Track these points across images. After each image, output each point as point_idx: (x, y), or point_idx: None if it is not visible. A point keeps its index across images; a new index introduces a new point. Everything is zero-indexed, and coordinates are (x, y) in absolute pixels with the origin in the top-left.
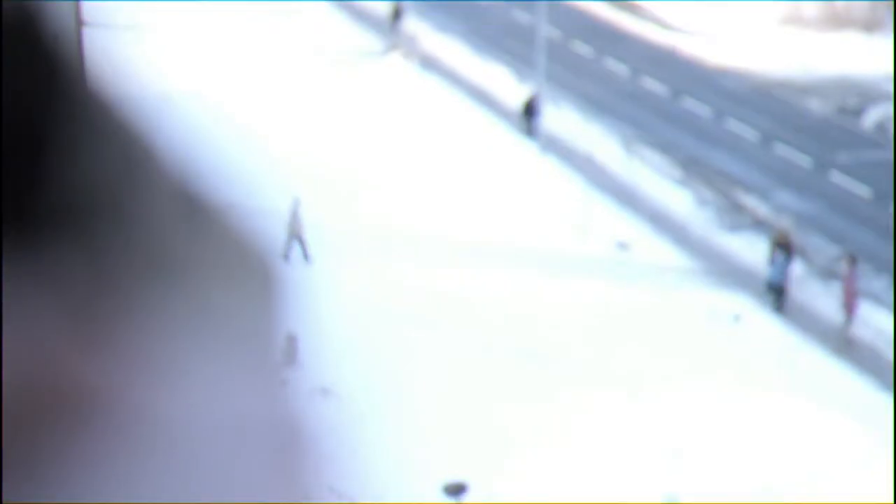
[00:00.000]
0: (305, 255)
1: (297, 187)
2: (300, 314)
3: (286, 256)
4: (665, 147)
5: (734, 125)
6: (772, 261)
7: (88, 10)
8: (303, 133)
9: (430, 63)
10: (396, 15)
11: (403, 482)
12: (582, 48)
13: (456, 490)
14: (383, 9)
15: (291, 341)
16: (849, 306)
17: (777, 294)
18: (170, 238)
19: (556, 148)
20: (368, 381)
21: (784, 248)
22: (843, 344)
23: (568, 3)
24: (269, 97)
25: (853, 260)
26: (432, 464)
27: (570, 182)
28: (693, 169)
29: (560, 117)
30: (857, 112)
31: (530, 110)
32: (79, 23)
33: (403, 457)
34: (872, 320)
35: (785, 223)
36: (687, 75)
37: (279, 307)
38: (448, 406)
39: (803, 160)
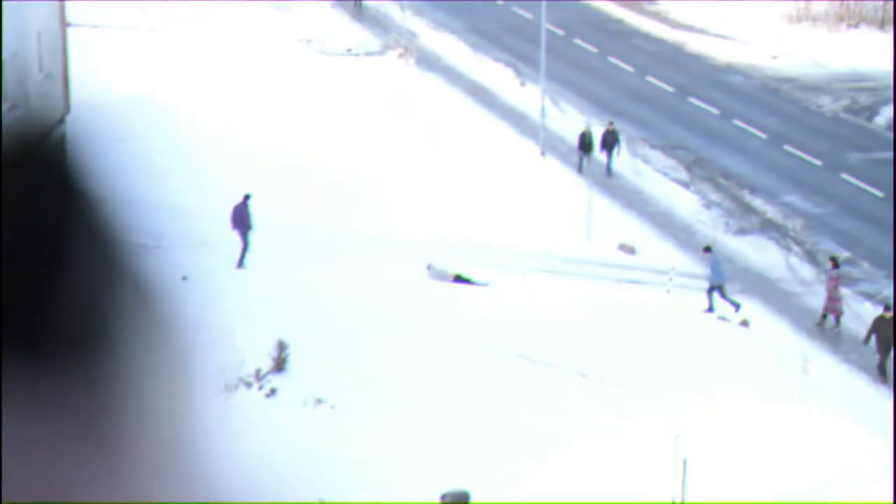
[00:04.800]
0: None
1: (293, 188)
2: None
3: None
4: (671, 147)
5: (742, 125)
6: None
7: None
8: (298, 131)
9: (428, 61)
10: None
11: (401, 493)
12: (585, 46)
13: (456, 501)
14: (384, 8)
15: (282, 348)
16: (828, 309)
17: (711, 296)
18: (142, 356)
19: (559, 148)
20: (365, 388)
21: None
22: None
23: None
24: (260, 95)
25: (835, 262)
26: (431, 473)
27: (574, 183)
28: (699, 170)
29: (562, 117)
30: (870, 110)
31: (604, 145)
32: (63, 23)
33: (401, 467)
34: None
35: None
36: (693, 73)
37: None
38: (448, 412)
39: (813, 160)
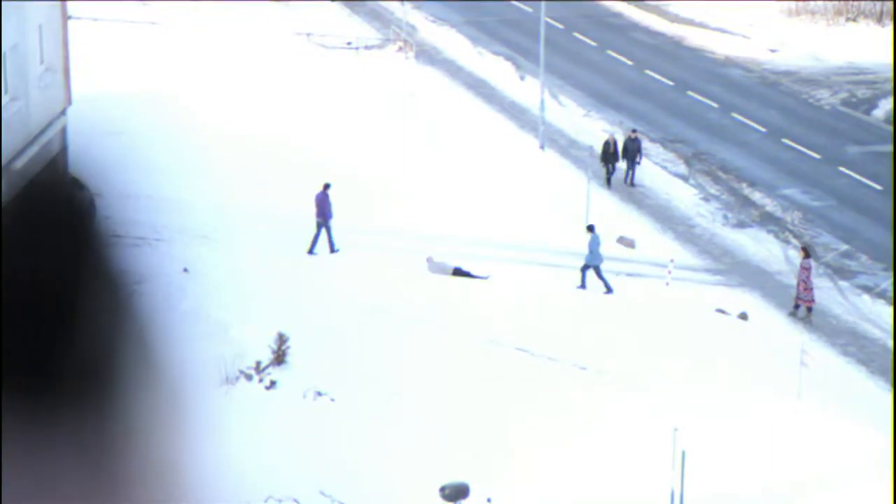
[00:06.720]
0: None
1: (293, 182)
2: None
3: None
4: (670, 141)
5: (741, 118)
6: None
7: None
8: (298, 125)
9: (427, 54)
10: None
11: (401, 486)
12: (584, 40)
13: (456, 494)
14: (383, 2)
15: (282, 341)
16: (799, 299)
17: (584, 273)
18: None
19: (558, 142)
20: (365, 381)
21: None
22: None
23: None
24: (260, 89)
25: (807, 250)
26: (430, 466)
27: (573, 177)
28: (698, 163)
29: (561, 110)
30: (868, 104)
31: (626, 153)
32: (64, 16)
33: (401, 460)
34: (883, 320)
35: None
36: (692, 67)
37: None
38: (448, 405)
39: (812, 154)
